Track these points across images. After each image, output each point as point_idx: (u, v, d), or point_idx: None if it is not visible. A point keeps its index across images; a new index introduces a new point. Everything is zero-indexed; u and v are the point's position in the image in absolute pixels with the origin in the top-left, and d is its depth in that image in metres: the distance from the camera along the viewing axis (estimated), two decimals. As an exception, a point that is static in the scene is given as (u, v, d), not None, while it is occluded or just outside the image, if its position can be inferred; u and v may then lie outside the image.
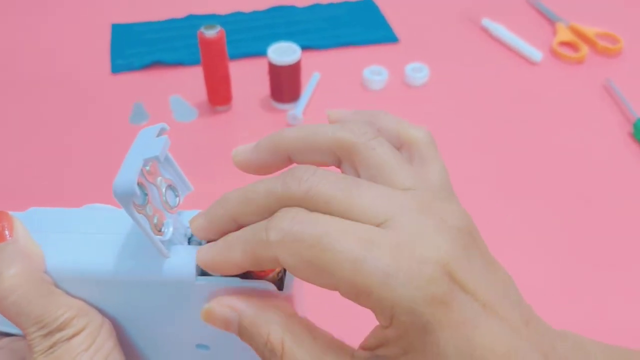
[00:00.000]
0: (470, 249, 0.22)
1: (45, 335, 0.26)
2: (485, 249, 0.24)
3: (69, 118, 0.68)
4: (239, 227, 0.25)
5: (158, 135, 0.26)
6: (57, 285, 0.27)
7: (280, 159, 0.27)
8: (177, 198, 0.28)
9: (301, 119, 0.66)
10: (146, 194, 0.25)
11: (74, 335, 0.26)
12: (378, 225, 0.22)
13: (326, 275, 0.21)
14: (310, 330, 0.24)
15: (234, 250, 0.24)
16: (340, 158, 0.26)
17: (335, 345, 0.24)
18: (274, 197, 0.24)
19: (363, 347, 0.24)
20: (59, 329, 0.26)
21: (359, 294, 0.21)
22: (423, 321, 0.20)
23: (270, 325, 0.24)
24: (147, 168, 0.25)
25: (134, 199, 0.24)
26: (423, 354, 0.21)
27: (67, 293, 0.27)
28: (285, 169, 0.25)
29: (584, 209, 0.57)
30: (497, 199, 0.58)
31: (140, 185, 0.25)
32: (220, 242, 0.25)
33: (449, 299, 0.21)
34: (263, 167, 0.28)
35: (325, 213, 0.22)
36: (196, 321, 0.27)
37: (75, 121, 0.67)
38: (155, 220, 0.25)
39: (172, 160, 0.28)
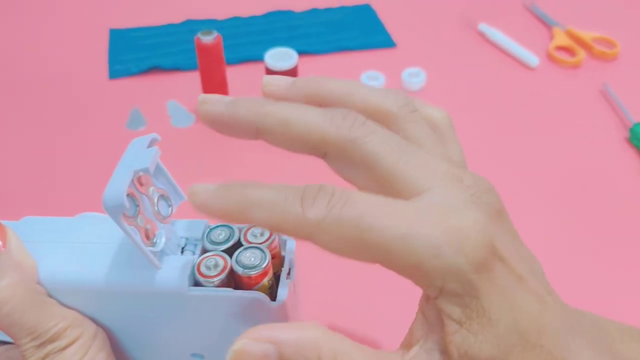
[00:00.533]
0: (502, 223, 0.24)
1: (39, 346, 0.26)
2: (512, 226, 0.25)
3: (65, 124, 0.68)
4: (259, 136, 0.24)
5: (149, 146, 0.26)
6: (50, 295, 0.27)
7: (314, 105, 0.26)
8: (170, 208, 0.28)
9: (298, 124, 0.66)
10: (137, 205, 0.25)
11: (67, 346, 0.26)
12: (418, 195, 0.22)
13: (370, 253, 0.21)
14: (353, 343, 0.23)
15: (253, 207, 0.22)
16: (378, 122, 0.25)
17: (380, 353, 0.23)
18: (318, 132, 0.23)
19: (407, 344, 0.23)
20: (52, 339, 0.26)
21: (407, 268, 0.21)
22: (472, 286, 0.21)
23: (319, 347, 0.22)
24: (139, 178, 0.26)
25: (124, 211, 0.24)
26: (470, 319, 0.22)
27: (61, 303, 0.27)
28: (336, 109, 0.24)
29: (580, 214, 0.57)
30: (494, 204, 0.58)
31: (131, 196, 0.25)
32: (234, 188, 0.22)
33: (492, 266, 0.22)
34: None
35: (366, 167, 0.22)
36: (191, 330, 0.27)
37: (71, 127, 0.68)
38: (147, 231, 0.26)
39: (165, 169, 0.28)
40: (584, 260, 0.53)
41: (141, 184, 0.26)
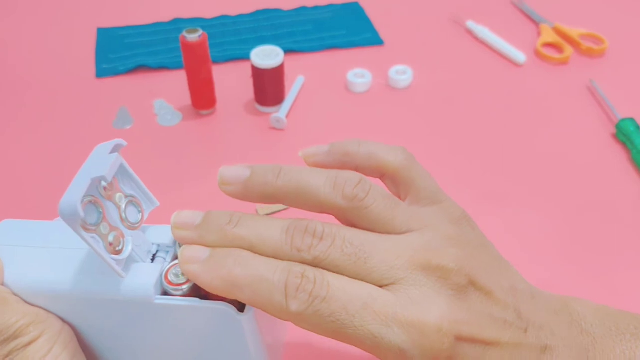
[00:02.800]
0: (467, 291, 0.26)
1: (1, 344, 0.26)
2: (481, 264, 0.27)
3: (52, 123, 0.68)
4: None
5: (111, 152, 0.25)
6: (15, 295, 0.27)
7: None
8: (141, 214, 0.27)
9: (285, 122, 0.66)
10: (101, 212, 0.25)
11: (30, 343, 0.26)
12: (385, 287, 0.25)
13: (345, 341, 0.24)
14: None
15: (238, 289, 0.24)
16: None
17: None
18: (283, 255, 0.25)
19: None
20: (14, 336, 0.26)
21: (377, 357, 0.24)
22: None
23: None
24: (104, 184, 0.25)
25: (83, 219, 0.24)
26: None
27: (26, 302, 0.27)
28: (291, 222, 0.26)
29: (566, 210, 0.57)
30: (480, 200, 0.58)
31: (94, 203, 0.24)
32: (222, 269, 0.24)
33: (456, 357, 0.25)
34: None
35: (334, 272, 0.25)
36: (160, 338, 0.27)
37: (58, 126, 0.67)
38: (111, 239, 0.25)
39: (134, 175, 0.27)
40: (570, 256, 0.53)
41: (107, 190, 0.25)
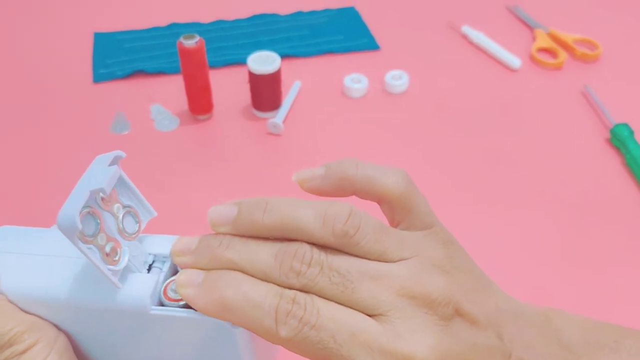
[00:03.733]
0: (453, 321, 0.26)
1: None
2: (467, 289, 0.28)
3: (49, 128, 0.68)
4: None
5: (111, 164, 0.25)
6: (11, 302, 0.27)
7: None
8: (138, 224, 0.28)
9: (282, 127, 0.66)
10: (98, 223, 0.25)
11: (25, 351, 0.26)
12: (373, 317, 0.25)
13: None
14: None
15: (229, 312, 0.24)
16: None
17: None
18: (273, 279, 0.25)
19: None
20: (9, 344, 0.26)
21: None
22: None
23: None
24: (102, 196, 0.25)
25: (80, 231, 0.24)
26: None
27: (22, 310, 0.27)
28: (281, 246, 0.26)
29: (561, 213, 0.58)
30: (476, 204, 0.59)
31: (91, 214, 0.25)
32: (215, 292, 0.25)
33: None
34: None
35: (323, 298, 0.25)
36: (157, 349, 0.27)
37: (55, 131, 0.67)
38: (108, 249, 0.25)
39: (132, 185, 0.27)
40: (564, 259, 0.54)
41: (105, 201, 0.26)
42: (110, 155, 0.26)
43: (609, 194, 0.60)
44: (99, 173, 0.25)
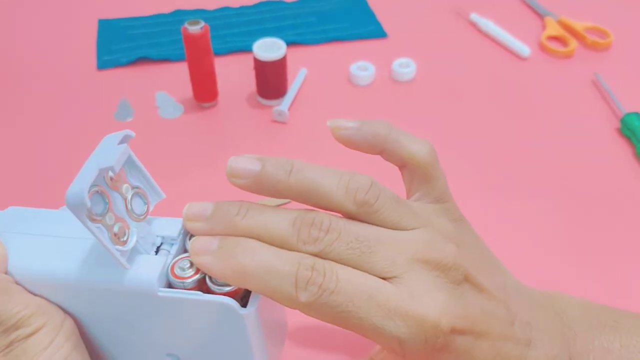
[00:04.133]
0: (463, 286, 0.27)
1: (2, 333, 0.25)
2: (475, 262, 0.29)
3: (53, 115, 0.67)
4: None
5: (120, 143, 0.25)
6: (18, 283, 0.27)
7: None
8: (146, 206, 0.27)
9: (287, 114, 0.65)
10: (107, 203, 0.25)
11: (31, 334, 0.26)
12: (387, 280, 0.26)
13: (349, 329, 0.25)
14: None
15: (249, 278, 0.25)
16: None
17: None
18: (290, 247, 0.26)
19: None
20: (16, 327, 0.26)
21: (378, 343, 0.26)
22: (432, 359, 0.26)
23: None
24: (111, 175, 0.25)
25: (88, 209, 0.23)
26: None
27: (29, 291, 0.27)
28: (299, 214, 0.26)
29: (570, 204, 0.57)
30: (483, 192, 0.58)
31: (100, 193, 0.24)
32: (231, 258, 0.25)
33: (449, 346, 0.26)
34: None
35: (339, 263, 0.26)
36: (164, 330, 0.27)
37: (59, 118, 0.67)
38: (116, 230, 0.25)
39: (141, 166, 0.27)
40: (573, 249, 0.53)
41: (113, 181, 0.25)
42: (120, 134, 0.25)
43: (619, 184, 0.59)
44: (109, 151, 0.25)
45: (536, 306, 0.32)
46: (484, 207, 0.57)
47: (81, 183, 0.23)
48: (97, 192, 0.24)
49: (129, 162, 0.27)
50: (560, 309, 0.33)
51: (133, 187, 0.27)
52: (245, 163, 0.27)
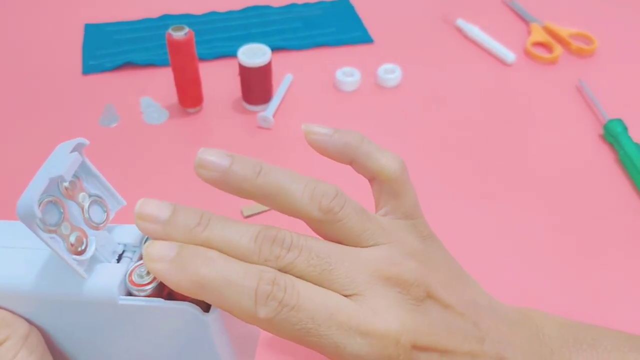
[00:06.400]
0: (425, 303, 0.27)
1: None
2: (442, 279, 0.29)
3: (37, 120, 0.67)
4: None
5: (72, 151, 0.25)
6: None
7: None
8: (106, 214, 0.27)
9: (272, 120, 0.65)
10: (62, 212, 0.24)
11: None
12: (349, 296, 0.26)
13: (308, 347, 0.25)
14: None
15: (206, 290, 0.24)
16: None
17: None
18: (250, 262, 0.25)
19: None
20: None
21: None
22: None
23: None
24: (65, 185, 0.25)
25: (42, 219, 0.23)
26: None
27: None
28: (261, 229, 0.26)
29: (553, 209, 0.57)
30: (467, 198, 0.58)
31: (54, 203, 0.24)
32: (189, 269, 0.24)
33: (414, 358, 0.26)
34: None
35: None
36: (128, 339, 0.26)
37: (43, 123, 0.67)
38: (72, 239, 0.25)
39: (99, 174, 0.27)
40: (556, 254, 0.53)
41: (69, 190, 0.25)
42: (73, 142, 0.25)
43: (602, 190, 0.59)
44: (60, 160, 0.24)
45: (510, 323, 0.31)
46: (465, 212, 0.57)
47: (30, 194, 0.23)
48: (51, 202, 0.24)
49: (85, 170, 0.26)
50: (537, 327, 0.33)
51: (91, 196, 0.26)
52: (215, 156, 0.27)
